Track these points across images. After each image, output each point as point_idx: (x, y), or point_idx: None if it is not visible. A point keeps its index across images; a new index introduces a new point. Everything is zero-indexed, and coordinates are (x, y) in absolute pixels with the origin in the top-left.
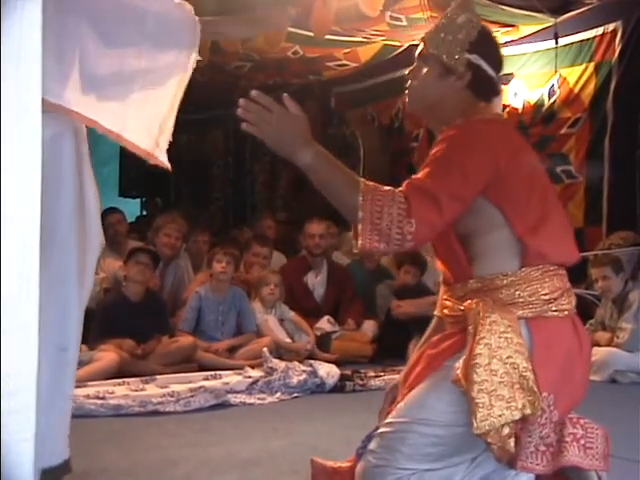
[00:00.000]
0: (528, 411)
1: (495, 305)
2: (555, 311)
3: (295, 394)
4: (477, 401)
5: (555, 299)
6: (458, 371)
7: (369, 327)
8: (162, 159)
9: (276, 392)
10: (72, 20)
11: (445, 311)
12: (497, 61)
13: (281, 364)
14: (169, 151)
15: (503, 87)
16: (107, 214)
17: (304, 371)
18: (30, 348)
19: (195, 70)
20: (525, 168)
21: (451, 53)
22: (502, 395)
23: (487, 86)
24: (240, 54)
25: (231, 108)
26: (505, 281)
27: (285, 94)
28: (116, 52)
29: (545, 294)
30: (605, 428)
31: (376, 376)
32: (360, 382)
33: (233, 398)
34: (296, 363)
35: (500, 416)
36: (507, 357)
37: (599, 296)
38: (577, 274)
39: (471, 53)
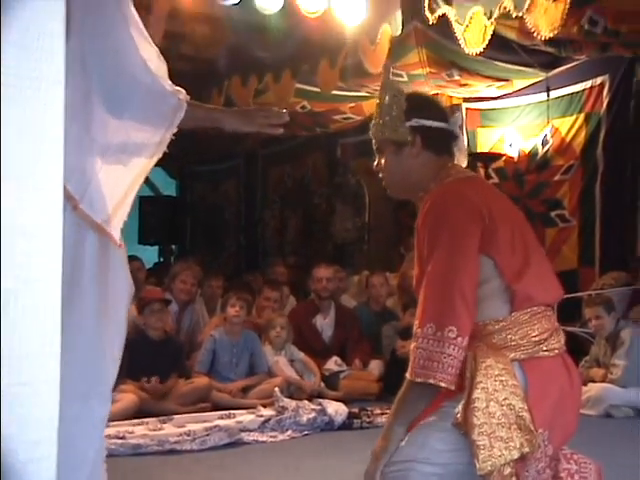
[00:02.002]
0: (526, 449)
1: (489, 350)
2: (546, 351)
3: (305, 432)
4: (478, 443)
5: (545, 339)
6: (458, 415)
7: (375, 366)
8: (115, 237)
9: (287, 430)
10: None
11: None
12: (438, 112)
13: (292, 403)
14: (186, 199)
15: (460, 132)
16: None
17: (314, 409)
18: (52, 400)
19: None
20: (505, 217)
21: (394, 130)
22: (501, 436)
23: (440, 138)
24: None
25: (243, 159)
26: (497, 326)
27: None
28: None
29: (535, 336)
30: (598, 463)
31: (382, 413)
32: (367, 419)
33: (246, 436)
34: (306, 402)
35: (500, 456)
36: (504, 399)
37: (593, 334)
38: (572, 313)
39: (410, 120)
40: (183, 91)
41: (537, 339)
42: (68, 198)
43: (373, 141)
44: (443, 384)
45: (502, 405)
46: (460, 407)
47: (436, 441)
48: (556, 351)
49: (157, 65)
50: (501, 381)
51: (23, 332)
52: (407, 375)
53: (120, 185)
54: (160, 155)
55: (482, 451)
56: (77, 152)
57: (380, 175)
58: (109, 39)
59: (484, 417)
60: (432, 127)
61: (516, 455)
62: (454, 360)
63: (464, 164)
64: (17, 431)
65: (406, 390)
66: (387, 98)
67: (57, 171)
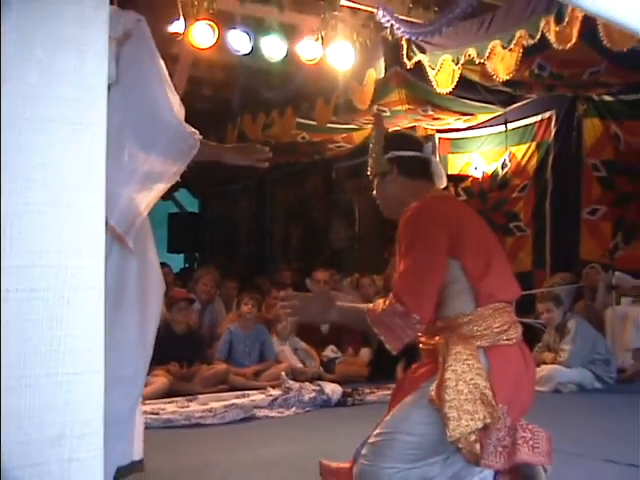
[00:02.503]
0: (488, 420)
1: (459, 339)
2: (506, 340)
3: (307, 408)
4: (448, 415)
5: (505, 330)
6: (432, 392)
7: (365, 353)
8: (130, 244)
9: (292, 407)
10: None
11: (420, 345)
12: (411, 144)
13: (296, 384)
14: (207, 215)
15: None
16: None
17: (314, 390)
18: (98, 386)
19: None
20: (471, 227)
21: (378, 163)
22: (467, 409)
23: (413, 165)
24: (260, 140)
25: (254, 181)
26: (465, 319)
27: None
28: (125, 150)
29: (497, 327)
30: (548, 431)
31: (371, 392)
32: (358, 397)
33: (258, 412)
34: (307, 383)
35: (467, 426)
36: (470, 379)
37: (545, 324)
38: (527, 307)
39: (387, 153)
40: (197, 132)
41: (498, 330)
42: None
43: (369, 176)
44: (388, 344)
45: (469, 384)
46: (434, 386)
47: (416, 415)
48: (514, 340)
49: (179, 110)
50: (468, 364)
51: (75, 331)
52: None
53: (142, 204)
54: (174, 182)
55: (452, 422)
56: (110, 179)
57: (377, 202)
58: (147, 89)
59: (454, 394)
60: (405, 156)
61: (480, 425)
62: (409, 335)
63: (442, 186)
64: (71, 410)
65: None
66: (374, 141)
67: (100, 199)
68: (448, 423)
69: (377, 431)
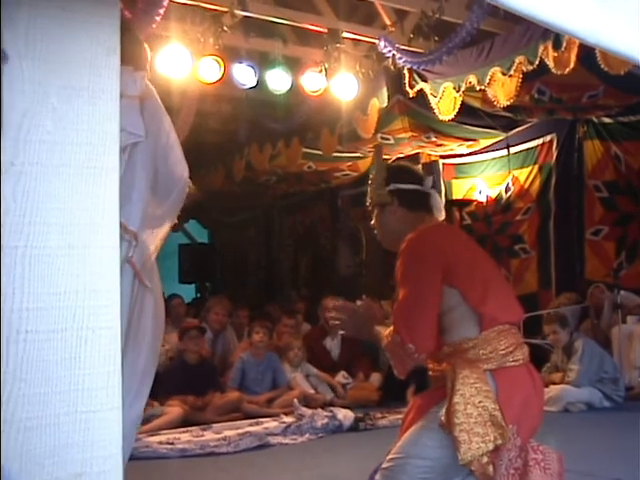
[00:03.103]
0: (500, 442)
1: (465, 363)
2: (512, 361)
3: (320, 434)
4: (459, 439)
5: (511, 352)
6: (442, 417)
7: (375, 378)
8: (146, 281)
9: (305, 433)
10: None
11: (429, 372)
12: (412, 177)
13: (308, 411)
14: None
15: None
16: (171, 299)
17: (326, 416)
18: (116, 424)
19: (233, 183)
20: (466, 254)
21: (378, 195)
22: (478, 432)
23: (413, 198)
24: (267, 170)
25: (262, 211)
26: (470, 344)
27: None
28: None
29: (502, 349)
30: (559, 452)
31: (382, 417)
32: (370, 422)
33: (272, 440)
34: (320, 410)
35: (478, 448)
36: (479, 402)
37: (552, 345)
38: (534, 328)
39: (388, 185)
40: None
41: (504, 352)
42: (133, 236)
43: (368, 206)
44: (394, 369)
45: (477, 407)
46: (443, 410)
47: (426, 439)
48: (521, 361)
49: (183, 163)
50: (476, 387)
51: (92, 369)
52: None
53: (152, 243)
54: (174, 222)
55: (463, 445)
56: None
57: (375, 232)
58: (165, 144)
59: (463, 417)
60: (407, 189)
61: (491, 447)
62: (411, 364)
63: (441, 218)
64: (90, 448)
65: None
66: (374, 172)
67: (114, 241)
68: (459, 447)
69: (390, 457)
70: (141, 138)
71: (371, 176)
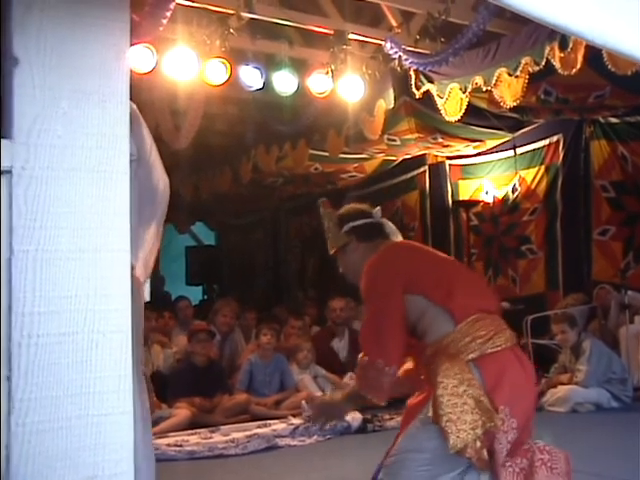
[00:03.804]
0: (490, 424)
1: (446, 357)
2: (493, 347)
3: (328, 436)
4: (446, 430)
5: (490, 338)
6: (429, 412)
7: None
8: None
9: (313, 435)
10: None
11: (422, 377)
12: (362, 213)
13: None
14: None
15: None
16: (178, 301)
17: None
18: (128, 427)
19: (240, 185)
20: (424, 260)
21: (336, 239)
22: (466, 420)
23: (369, 230)
24: (274, 172)
25: (269, 213)
26: (449, 339)
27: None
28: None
29: (481, 337)
30: (566, 452)
31: (391, 418)
32: (378, 424)
33: (280, 441)
34: None
35: (467, 435)
36: (463, 391)
37: (560, 345)
38: (542, 329)
39: (342, 227)
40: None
41: (483, 340)
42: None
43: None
44: (375, 399)
45: (462, 396)
46: (430, 405)
47: (421, 433)
48: (502, 346)
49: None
50: (458, 378)
51: (104, 373)
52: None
53: (142, 269)
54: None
55: (451, 435)
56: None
57: (344, 274)
58: (150, 157)
59: (448, 408)
60: (360, 225)
61: (481, 432)
62: (385, 383)
63: (399, 239)
64: (102, 451)
65: (353, 390)
66: (326, 223)
67: (125, 244)
68: (448, 437)
69: (390, 454)
70: (134, 157)
71: (325, 226)
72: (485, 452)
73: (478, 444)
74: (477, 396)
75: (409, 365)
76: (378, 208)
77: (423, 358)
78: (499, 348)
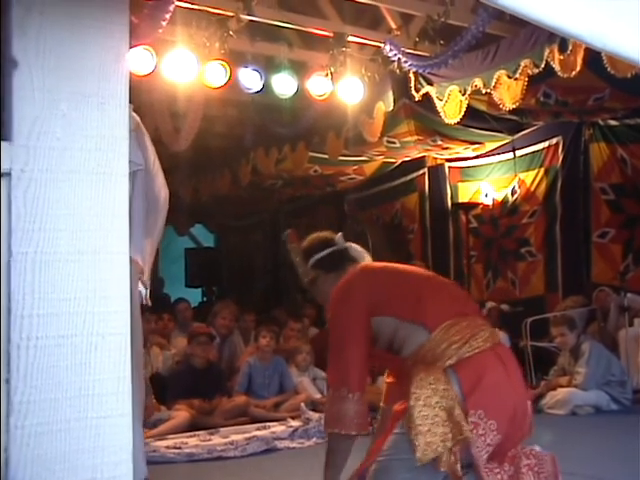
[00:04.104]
0: (460, 437)
1: (422, 367)
2: (471, 350)
3: (327, 438)
4: (415, 442)
5: (467, 342)
6: (403, 422)
7: (382, 382)
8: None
9: (312, 437)
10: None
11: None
12: (325, 242)
13: (315, 415)
14: (223, 249)
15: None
16: (177, 303)
17: None
18: (127, 429)
19: (239, 188)
20: (388, 280)
21: (305, 274)
22: (435, 432)
23: (335, 260)
24: (273, 174)
25: (268, 215)
26: (425, 348)
27: None
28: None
29: (457, 342)
30: (552, 454)
31: None
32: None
33: (279, 444)
34: None
35: (437, 448)
36: (435, 402)
37: (559, 348)
38: (541, 331)
39: (307, 262)
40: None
41: (459, 344)
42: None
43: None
44: (348, 432)
45: (434, 407)
46: (405, 416)
47: (400, 442)
48: (481, 347)
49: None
50: (432, 388)
51: (103, 375)
52: (325, 429)
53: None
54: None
55: (419, 448)
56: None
57: (322, 304)
58: (153, 167)
59: (419, 420)
60: (324, 256)
61: (450, 445)
62: (352, 412)
63: (368, 260)
64: (101, 453)
65: (329, 442)
66: (293, 257)
67: (124, 246)
68: (416, 449)
69: (376, 460)
70: (141, 167)
71: (294, 262)
72: (459, 467)
73: (452, 458)
74: (450, 408)
75: (390, 379)
76: (340, 234)
77: (405, 369)
78: (477, 350)
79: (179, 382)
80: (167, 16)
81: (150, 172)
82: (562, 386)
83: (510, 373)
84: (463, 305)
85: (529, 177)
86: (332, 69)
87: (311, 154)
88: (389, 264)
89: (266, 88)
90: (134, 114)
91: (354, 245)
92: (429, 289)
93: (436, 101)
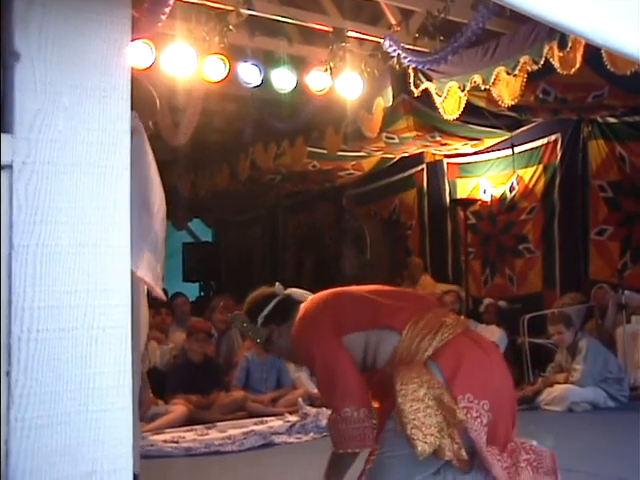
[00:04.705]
0: (456, 421)
1: (402, 366)
2: (444, 338)
3: (325, 433)
4: (412, 437)
5: (437, 331)
6: (395, 421)
7: None
8: (159, 292)
9: (310, 432)
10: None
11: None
12: (265, 298)
13: (312, 410)
14: (221, 243)
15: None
16: (175, 297)
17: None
18: (127, 423)
19: (238, 182)
20: (344, 299)
21: (258, 336)
22: (430, 424)
23: (282, 311)
24: (272, 169)
25: (266, 210)
26: (400, 350)
27: None
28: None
29: (427, 334)
30: (551, 450)
31: None
32: (374, 421)
33: (276, 438)
34: (324, 409)
35: (436, 439)
36: (424, 394)
37: (556, 345)
38: (539, 328)
39: (257, 322)
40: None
41: (430, 335)
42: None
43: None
44: (359, 449)
45: (423, 399)
46: (394, 413)
47: (395, 439)
48: (453, 334)
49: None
50: (416, 382)
51: (103, 369)
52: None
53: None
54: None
55: (418, 442)
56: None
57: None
58: (149, 173)
59: (411, 415)
60: (271, 310)
61: (448, 432)
62: (360, 429)
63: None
64: (101, 447)
65: (334, 458)
66: (239, 325)
67: (125, 240)
68: (415, 444)
69: (372, 457)
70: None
71: (241, 331)
72: (464, 452)
73: (455, 446)
74: (438, 396)
75: (376, 404)
76: (277, 284)
77: (386, 382)
78: (451, 336)
79: (177, 376)
80: (167, 10)
81: (146, 177)
82: (559, 383)
83: (487, 353)
84: (422, 301)
85: (527, 174)
86: (331, 64)
87: (310, 149)
88: (336, 289)
89: (265, 83)
90: (136, 120)
91: (294, 289)
92: (384, 295)
93: (435, 97)
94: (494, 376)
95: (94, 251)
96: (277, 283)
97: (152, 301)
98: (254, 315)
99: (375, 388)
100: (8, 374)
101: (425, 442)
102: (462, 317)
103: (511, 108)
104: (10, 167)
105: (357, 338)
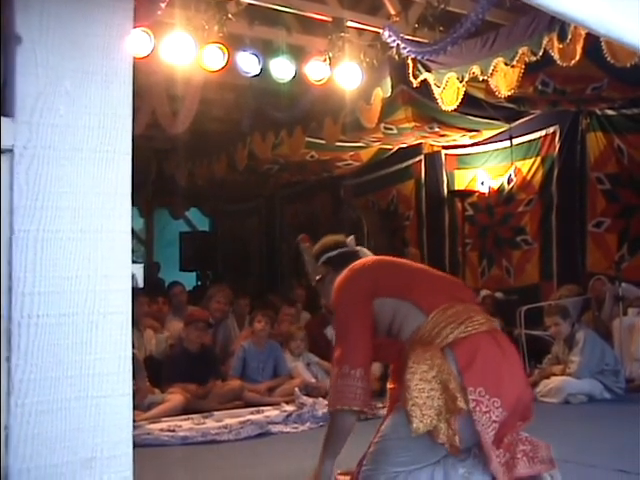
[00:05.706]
0: (457, 407)
1: (419, 345)
2: (466, 331)
3: (321, 423)
4: (411, 414)
5: (462, 322)
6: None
7: (376, 368)
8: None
9: (306, 422)
10: None
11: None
12: (337, 244)
13: (309, 400)
14: (218, 233)
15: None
16: (172, 286)
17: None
18: (127, 409)
19: (235, 172)
20: (385, 268)
21: (315, 271)
22: (431, 405)
23: (344, 260)
24: (270, 159)
25: (264, 200)
26: (423, 330)
27: None
28: None
29: (453, 323)
30: (547, 442)
31: (383, 406)
32: (370, 411)
33: (273, 428)
34: (320, 398)
35: (432, 421)
36: (432, 377)
37: (553, 337)
38: (536, 320)
39: (318, 261)
40: None
41: (455, 324)
42: None
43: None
44: (352, 407)
45: (430, 381)
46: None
47: (398, 419)
48: (477, 329)
49: None
50: (428, 364)
51: (103, 355)
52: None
53: None
54: None
55: (414, 419)
56: None
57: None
58: None
59: (415, 392)
60: (335, 255)
61: (445, 417)
62: (352, 387)
63: None
64: (101, 433)
65: (331, 422)
66: (305, 257)
67: (126, 225)
68: (411, 420)
69: (374, 441)
70: None
71: (304, 260)
72: (457, 439)
73: (450, 432)
74: (445, 381)
75: (392, 384)
76: (352, 237)
77: (403, 356)
78: (473, 331)
79: (173, 365)
80: None
81: None
82: (556, 374)
83: (508, 356)
84: (459, 292)
85: (525, 165)
86: (330, 54)
87: (308, 139)
88: (386, 256)
89: (264, 72)
90: None
91: (364, 249)
92: (426, 276)
93: (434, 88)
94: (510, 380)
95: (95, 237)
96: (352, 236)
97: (149, 290)
98: (320, 254)
99: (392, 359)
100: (8, 359)
101: (421, 421)
102: (494, 319)
103: (510, 99)
104: (11, 151)
105: (389, 304)
